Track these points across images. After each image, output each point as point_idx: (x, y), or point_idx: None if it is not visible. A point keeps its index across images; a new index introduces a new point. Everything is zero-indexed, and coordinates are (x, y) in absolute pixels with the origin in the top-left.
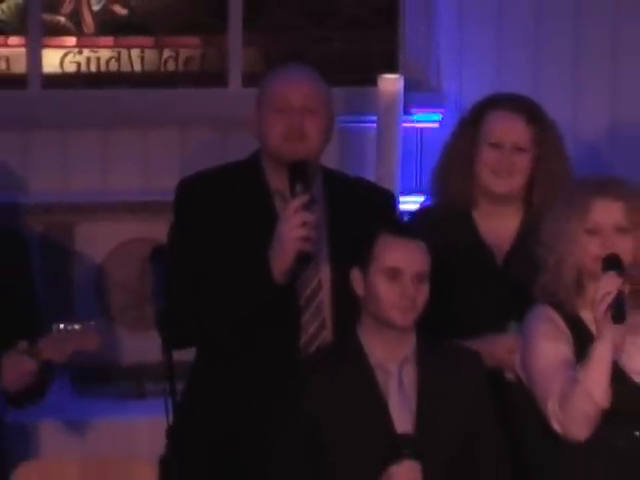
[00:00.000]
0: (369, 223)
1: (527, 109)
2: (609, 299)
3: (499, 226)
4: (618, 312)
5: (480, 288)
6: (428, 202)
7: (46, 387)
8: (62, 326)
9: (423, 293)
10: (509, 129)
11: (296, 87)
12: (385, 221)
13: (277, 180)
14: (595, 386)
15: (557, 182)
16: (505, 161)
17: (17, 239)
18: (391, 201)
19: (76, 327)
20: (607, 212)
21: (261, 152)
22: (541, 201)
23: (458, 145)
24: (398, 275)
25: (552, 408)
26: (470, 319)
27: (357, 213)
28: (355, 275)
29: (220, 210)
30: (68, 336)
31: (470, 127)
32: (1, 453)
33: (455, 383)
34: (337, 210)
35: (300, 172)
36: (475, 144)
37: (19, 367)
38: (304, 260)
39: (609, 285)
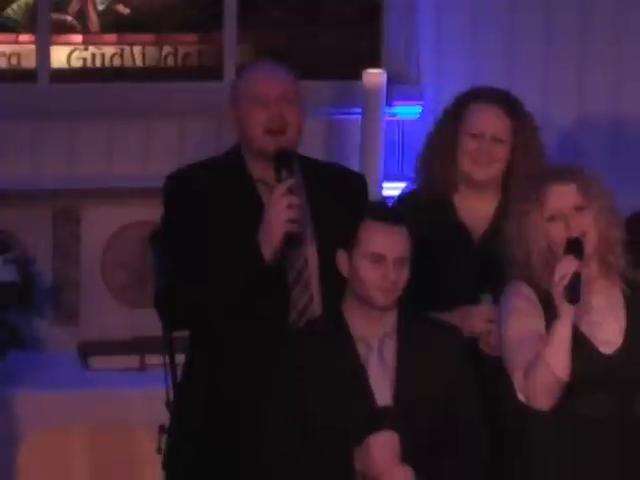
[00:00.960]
0: (353, 206)
1: (506, 102)
2: (565, 281)
3: (477, 209)
4: (572, 294)
5: (457, 265)
6: (412, 186)
7: None
8: None
9: (404, 275)
10: (489, 121)
11: (272, 81)
12: (371, 206)
13: (258, 169)
14: (556, 361)
15: (532, 169)
16: (485, 151)
17: None
18: (363, 183)
19: None
20: (562, 195)
21: (241, 145)
22: (517, 186)
23: (441, 135)
24: (381, 260)
25: (518, 378)
26: (448, 292)
27: (333, 195)
28: (341, 256)
29: (208, 199)
30: None
31: (452, 118)
32: None
33: (435, 357)
34: (315, 193)
35: (285, 159)
36: (457, 134)
37: None
38: (292, 240)
39: (565, 268)
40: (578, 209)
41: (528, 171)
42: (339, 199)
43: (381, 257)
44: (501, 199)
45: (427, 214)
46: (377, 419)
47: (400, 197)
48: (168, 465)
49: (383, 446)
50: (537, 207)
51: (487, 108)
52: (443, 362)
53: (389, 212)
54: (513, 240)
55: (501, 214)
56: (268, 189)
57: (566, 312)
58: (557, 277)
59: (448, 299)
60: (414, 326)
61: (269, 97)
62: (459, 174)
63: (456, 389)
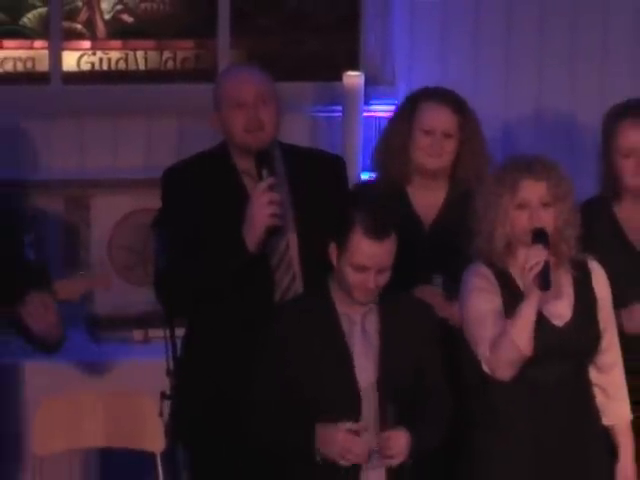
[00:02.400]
0: (332, 186)
1: (453, 101)
2: (537, 269)
3: (429, 198)
4: (544, 281)
5: (411, 248)
6: (372, 176)
7: (62, 339)
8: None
9: (384, 278)
10: (440, 118)
11: (247, 84)
12: (363, 215)
13: (243, 162)
14: (521, 339)
15: (476, 160)
16: (436, 145)
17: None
18: (341, 163)
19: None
20: (533, 189)
21: (227, 141)
22: (463, 176)
23: (396, 131)
24: (365, 270)
25: (483, 352)
26: (404, 273)
27: (314, 177)
28: (332, 249)
29: (199, 190)
30: (81, 278)
31: (406, 116)
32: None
33: (411, 330)
34: (297, 177)
35: (264, 159)
36: (411, 130)
37: (40, 304)
38: (273, 232)
39: (537, 256)
40: (544, 205)
41: (473, 162)
42: (319, 181)
43: (365, 268)
44: (449, 189)
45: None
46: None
47: (359, 187)
48: (173, 426)
49: (345, 438)
50: (508, 193)
51: (437, 107)
52: (418, 334)
53: (380, 226)
54: (480, 216)
55: (449, 202)
56: (252, 180)
57: (534, 296)
58: (528, 265)
59: (404, 278)
60: (393, 302)
61: (246, 100)
62: (413, 166)
63: (428, 356)
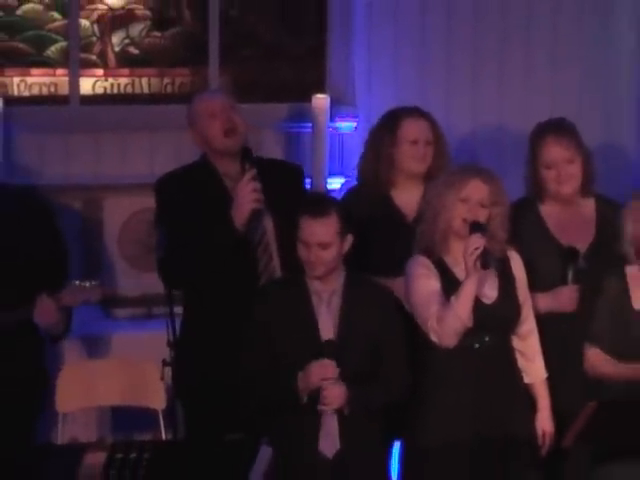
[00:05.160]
0: (293, 188)
1: (427, 116)
2: (478, 252)
3: (409, 196)
4: (485, 261)
5: (395, 242)
6: (353, 182)
7: (68, 330)
8: (77, 282)
9: (328, 254)
10: (421, 130)
11: (214, 96)
12: (305, 202)
13: (223, 166)
14: (463, 311)
15: (444, 161)
16: (421, 152)
17: (45, 211)
18: (299, 171)
19: (86, 284)
20: (477, 189)
21: (207, 153)
22: (435, 175)
23: (380, 143)
24: (308, 245)
25: (431, 326)
26: (387, 264)
27: (279, 181)
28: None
29: (188, 193)
30: (79, 289)
31: (389, 130)
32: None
33: (371, 307)
34: (266, 181)
35: (247, 155)
36: (395, 141)
37: (45, 305)
38: (257, 214)
39: (476, 242)
40: (482, 205)
41: (442, 163)
42: (283, 183)
43: (307, 243)
44: (424, 189)
45: (369, 204)
46: (321, 350)
47: (348, 192)
48: (173, 387)
49: (322, 370)
50: (455, 188)
51: (418, 120)
52: (377, 311)
53: (320, 207)
54: (429, 202)
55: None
56: (231, 181)
57: (475, 275)
58: (470, 250)
59: (386, 268)
60: (357, 285)
61: (215, 109)
62: (397, 171)
63: (385, 332)
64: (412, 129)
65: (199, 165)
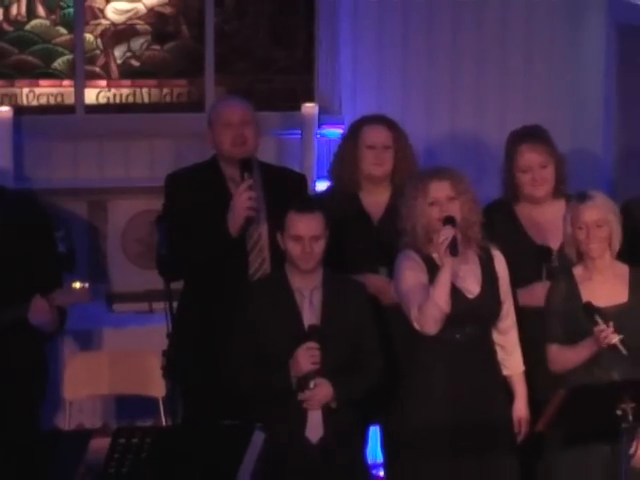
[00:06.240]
0: (286, 199)
1: (386, 121)
2: (447, 242)
3: (376, 199)
4: (453, 249)
5: (362, 242)
6: (328, 186)
7: (62, 328)
8: (71, 283)
9: (319, 247)
10: (378, 135)
11: (235, 108)
12: (294, 199)
13: (229, 170)
14: (440, 298)
15: (409, 166)
16: (379, 156)
17: (42, 216)
18: (303, 180)
19: (77, 285)
20: (440, 188)
21: (216, 155)
22: (400, 180)
23: (345, 149)
24: (300, 239)
25: (414, 314)
26: (355, 262)
27: (282, 189)
28: (279, 236)
29: (193, 192)
30: (71, 291)
31: (352, 137)
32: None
33: (348, 302)
34: (269, 187)
35: (246, 165)
36: (357, 147)
37: (39, 305)
38: (250, 221)
39: (446, 233)
40: (450, 199)
41: (406, 168)
42: (285, 191)
43: (300, 237)
44: (391, 191)
45: (339, 206)
46: (305, 335)
47: (321, 194)
48: (169, 373)
49: (308, 353)
50: (422, 195)
51: (375, 126)
52: (353, 305)
53: (305, 204)
54: (404, 217)
55: (392, 202)
56: (235, 185)
57: (447, 263)
58: (440, 239)
59: (355, 266)
60: (334, 282)
61: (232, 121)
62: (361, 175)
63: (362, 324)
64: (370, 135)
65: (208, 165)
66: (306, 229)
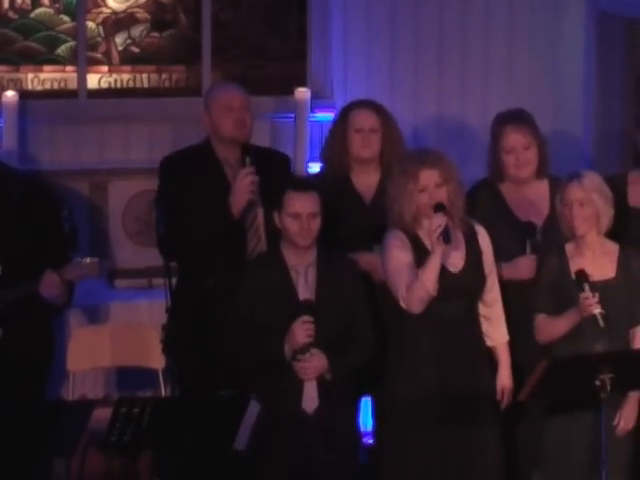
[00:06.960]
0: (280, 175)
1: (373, 105)
2: (440, 229)
3: (367, 180)
4: (447, 237)
5: (355, 221)
6: (320, 168)
7: (70, 301)
8: (79, 259)
9: (316, 224)
10: (365, 119)
11: (236, 93)
12: (291, 179)
13: (223, 153)
14: (429, 282)
15: (397, 149)
16: (366, 139)
17: (49, 195)
18: (287, 160)
19: (87, 260)
20: (429, 176)
21: (210, 138)
22: (388, 162)
23: (336, 133)
24: (298, 216)
25: (401, 293)
26: (349, 240)
27: (267, 168)
28: (275, 215)
29: (188, 174)
30: (81, 265)
31: (341, 121)
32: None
33: (341, 278)
34: (260, 168)
35: (248, 150)
36: (346, 131)
37: (51, 279)
38: (251, 203)
39: (439, 221)
40: (438, 185)
41: (394, 150)
42: (270, 171)
43: (298, 214)
44: (381, 172)
45: (331, 187)
46: (300, 309)
47: (314, 176)
48: (168, 346)
49: (301, 326)
50: (412, 182)
51: (362, 110)
52: (347, 282)
53: (302, 183)
54: (391, 197)
55: (382, 183)
56: (230, 167)
57: (438, 249)
58: (434, 227)
59: (349, 245)
60: (328, 259)
61: (234, 105)
62: (351, 157)
63: (355, 299)
64: (357, 119)
65: (201, 148)
66: (304, 206)
